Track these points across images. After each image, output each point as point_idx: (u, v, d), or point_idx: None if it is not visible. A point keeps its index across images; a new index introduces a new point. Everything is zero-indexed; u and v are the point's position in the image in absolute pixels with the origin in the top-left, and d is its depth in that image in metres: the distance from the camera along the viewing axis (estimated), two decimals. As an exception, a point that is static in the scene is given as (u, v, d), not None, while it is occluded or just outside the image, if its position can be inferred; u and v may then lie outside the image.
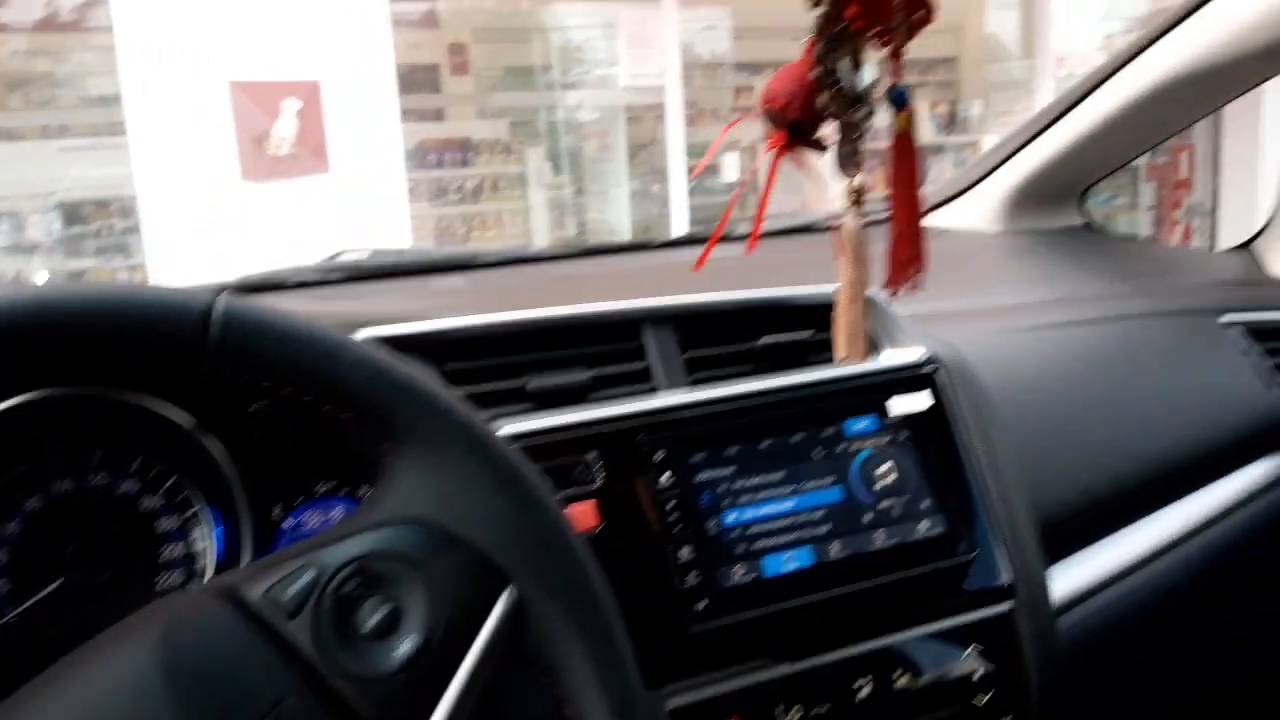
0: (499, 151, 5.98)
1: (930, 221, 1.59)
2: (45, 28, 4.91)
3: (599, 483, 0.76)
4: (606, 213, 6.26)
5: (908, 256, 0.60)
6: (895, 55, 0.55)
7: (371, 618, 0.48)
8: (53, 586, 0.68)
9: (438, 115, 6.23)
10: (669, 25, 5.03)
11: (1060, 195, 1.48)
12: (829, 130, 0.59)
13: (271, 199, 3.84)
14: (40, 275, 4.77)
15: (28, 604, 0.67)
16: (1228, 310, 1.14)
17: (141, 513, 0.72)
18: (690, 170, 5.53)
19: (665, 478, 0.77)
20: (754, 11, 6.30)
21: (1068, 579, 0.90)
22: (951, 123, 6.67)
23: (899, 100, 0.56)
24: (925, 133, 6.55)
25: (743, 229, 1.58)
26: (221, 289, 0.50)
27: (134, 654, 0.44)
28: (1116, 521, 0.95)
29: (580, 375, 0.81)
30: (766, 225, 1.50)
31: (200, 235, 3.81)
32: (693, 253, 1.46)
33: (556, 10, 6.55)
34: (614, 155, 6.06)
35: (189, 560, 0.72)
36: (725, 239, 1.52)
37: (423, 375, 0.52)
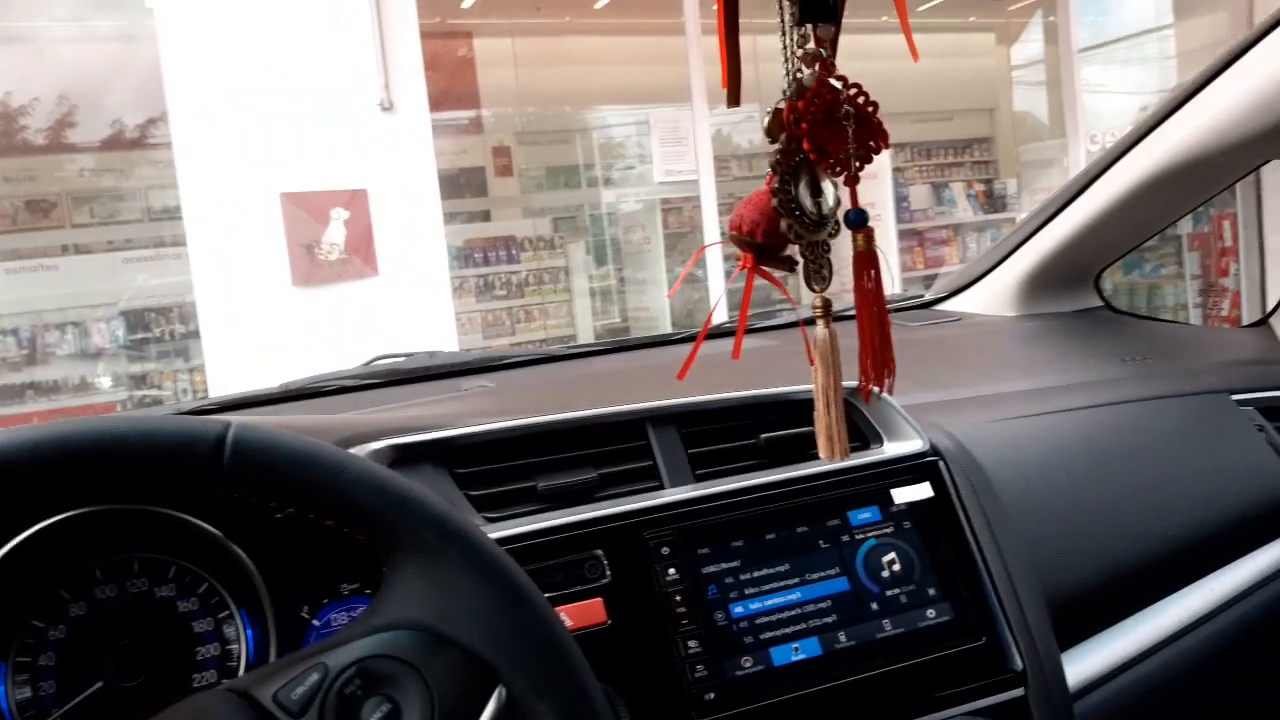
0: (543, 247, 6.16)
1: (949, 307, 1.63)
2: (111, 146, 5.19)
3: (608, 578, 0.79)
4: (647, 300, 6.38)
5: (876, 364, 0.63)
6: (850, 182, 0.60)
7: (372, 716, 0.51)
8: (92, 689, 0.72)
9: (485, 216, 6.45)
10: (700, 124, 5.20)
11: (1075, 278, 1.50)
12: (795, 250, 0.64)
13: (324, 302, 3.99)
14: (103, 379, 4.97)
15: (71, 704, 0.72)
16: (1242, 390, 1.14)
17: (179, 615, 0.76)
18: (735, 258, 5.63)
19: (672, 572, 0.80)
20: (784, 103, 6.45)
21: (1083, 664, 0.90)
22: (988, 201, 6.71)
23: (857, 221, 0.60)
24: (964, 212, 6.60)
25: (765, 318, 1.63)
26: (285, 395, 0.55)
27: None
28: (1132, 605, 0.96)
29: (588, 475, 0.84)
30: (770, 321, 1.54)
31: (255, 339, 3.96)
32: (713, 346, 1.51)
33: (594, 112, 6.80)
34: (653, 246, 6.21)
35: (223, 659, 0.76)
36: (729, 335, 1.57)
37: (418, 489, 0.56)
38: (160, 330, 4.98)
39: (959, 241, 6.54)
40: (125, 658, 0.74)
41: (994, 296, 1.55)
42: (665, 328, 5.93)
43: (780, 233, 0.65)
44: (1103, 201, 1.38)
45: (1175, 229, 5.32)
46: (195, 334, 4.56)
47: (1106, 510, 0.97)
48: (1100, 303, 1.53)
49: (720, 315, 5.32)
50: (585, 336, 6.11)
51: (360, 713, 0.51)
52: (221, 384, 3.97)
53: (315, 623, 0.80)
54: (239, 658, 0.77)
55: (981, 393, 1.11)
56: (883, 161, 5.74)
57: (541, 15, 6.37)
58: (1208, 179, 1.36)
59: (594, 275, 6.46)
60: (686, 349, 1.55)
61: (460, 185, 6.51)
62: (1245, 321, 1.40)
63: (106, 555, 0.75)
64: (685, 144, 5.15)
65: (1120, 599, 0.95)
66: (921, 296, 1.66)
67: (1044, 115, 7.28)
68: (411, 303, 4.14)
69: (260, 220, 3.92)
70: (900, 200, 6.04)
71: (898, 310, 1.59)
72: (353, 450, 0.78)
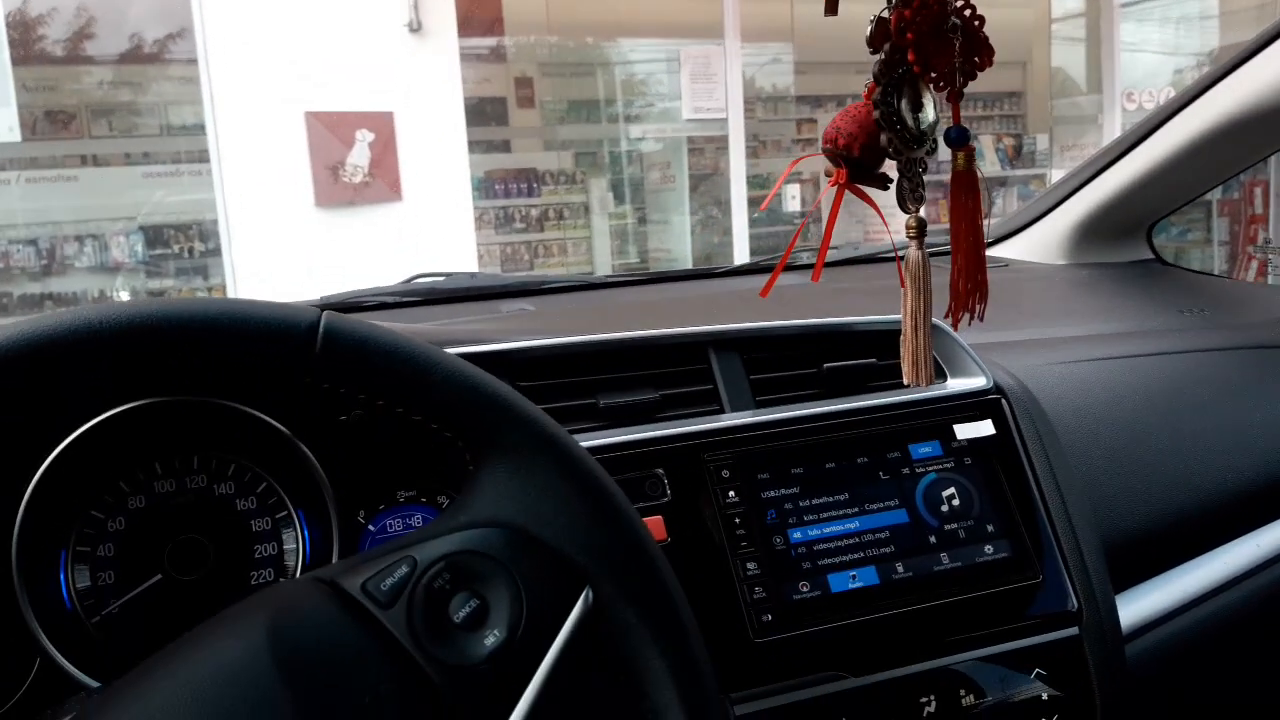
0: (563, 182, 6.09)
1: (996, 253, 1.61)
2: (129, 60, 5.11)
3: (668, 497, 0.79)
4: (668, 241, 6.34)
5: (969, 289, 0.61)
6: (953, 97, 0.57)
7: (460, 611, 0.51)
8: (153, 580, 0.72)
9: (505, 147, 6.37)
10: (732, 61, 5.11)
11: (1127, 229, 1.47)
12: (890, 167, 0.62)
13: (346, 224, 3.96)
14: (122, 293, 4.96)
15: (130, 595, 0.72)
16: (1299, 345, 1.13)
17: (237, 513, 0.76)
18: (759, 202, 5.64)
19: (731, 495, 0.80)
20: (816, 46, 6.37)
21: (1136, 607, 0.90)
22: (1017, 156, 6.62)
23: (959, 139, 0.58)
24: (990, 166, 6.52)
25: (805, 259, 1.61)
26: (325, 307, 0.54)
27: (245, 637, 0.48)
28: (1185, 551, 0.95)
29: (649, 395, 0.83)
30: (829, 255, 1.52)
31: (278, 257, 3.94)
32: (754, 281, 1.49)
33: (620, 45, 6.67)
34: (676, 185, 6.14)
35: (278, 558, 0.76)
36: (790, 268, 1.55)
37: (511, 390, 0.55)
38: (179, 247, 4.95)
39: (984, 196, 6.46)
40: (184, 552, 0.74)
41: (1042, 244, 1.53)
42: (685, 269, 5.89)
43: (877, 147, 0.62)
44: (1162, 152, 1.35)
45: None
46: (214, 252, 4.55)
47: (1163, 458, 0.97)
48: (1151, 255, 1.51)
49: (744, 257, 5.28)
50: (604, 273, 6.07)
51: (448, 607, 0.51)
52: (269, 298, 3.94)
53: (371, 528, 0.80)
54: (296, 557, 0.76)
55: (1038, 336, 1.10)
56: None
57: (571, -58, 6.23)
58: (1272, 135, 1.32)
59: (614, 213, 6.41)
60: (727, 283, 1.54)
61: (482, 114, 6.41)
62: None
63: (166, 450, 0.75)
64: (715, 81, 5.07)
65: (1172, 546, 0.95)
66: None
67: (1077, 71, 7.15)
68: (434, 229, 4.12)
69: (285, 139, 3.88)
70: (927, 151, 5.95)
71: (942, 254, 1.57)
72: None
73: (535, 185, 5.99)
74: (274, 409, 0.73)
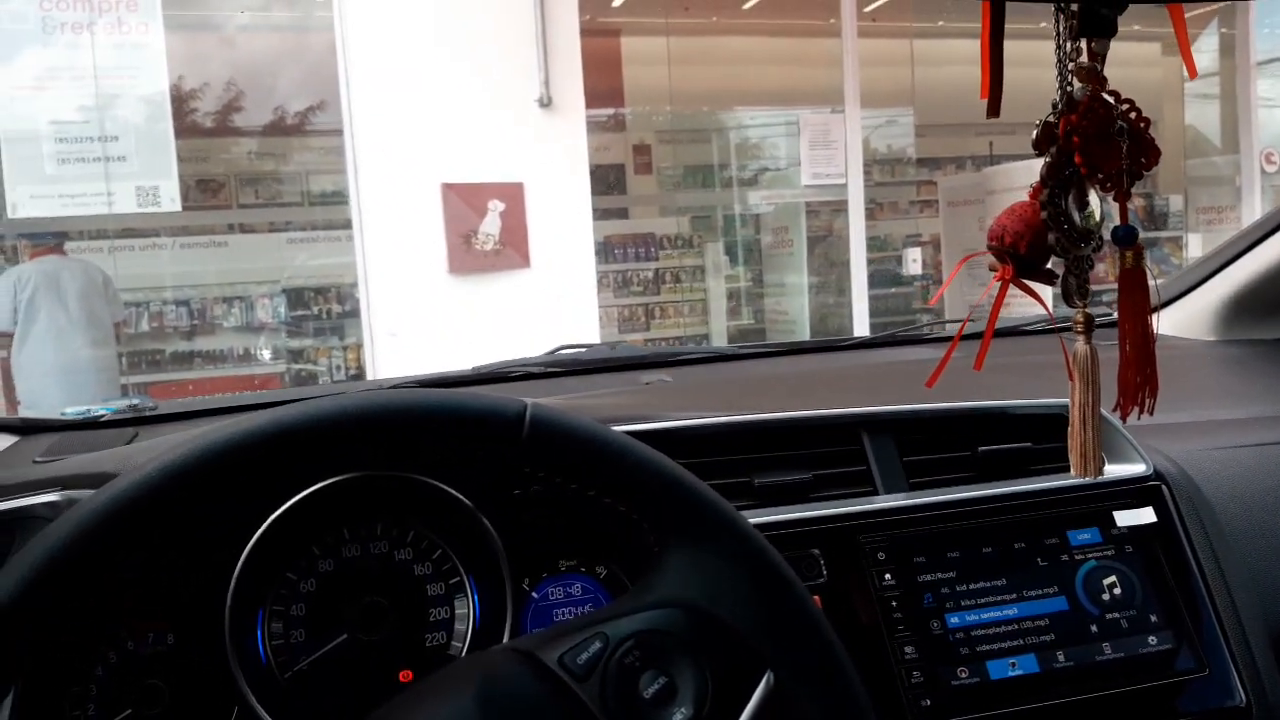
0: (680, 246, 6.21)
1: (1139, 328, 1.57)
2: (274, 131, 5.44)
3: (824, 577, 0.80)
4: (784, 303, 6.36)
5: (1139, 383, 0.62)
6: (1121, 198, 0.59)
7: (649, 688, 0.54)
8: (339, 639, 0.77)
9: (623, 213, 6.54)
10: (852, 127, 5.15)
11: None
12: (1055, 262, 0.63)
13: (477, 290, 4.13)
14: (265, 352, 5.26)
15: (320, 653, 0.77)
16: None
17: (415, 578, 0.81)
18: (878, 264, 5.66)
19: (888, 577, 0.81)
20: (936, 109, 6.35)
21: (1308, 704, 0.86)
22: (1149, 217, 6.42)
23: (1126, 238, 0.59)
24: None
25: (928, 331, 1.61)
26: (479, 378, 0.59)
27: (455, 702, 0.52)
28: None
29: (803, 475, 0.86)
30: (970, 328, 1.53)
31: (413, 322, 4.12)
32: (886, 354, 1.50)
33: (736, 113, 6.79)
34: (794, 248, 6.18)
35: (449, 622, 0.80)
36: (926, 341, 1.55)
37: (693, 476, 0.58)
38: (319, 309, 5.23)
39: (1115, 258, 6.26)
40: (366, 613, 0.79)
41: (1190, 319, 1.49)
42: (804, 334, 5.89)
43: (1043, 245, 0.64)
44: (1322, 224, 1.31)
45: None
46: (351, 314, 4.77)
47: (1334, 549, 0.93)
48: (1309, 332, 1.45)
49: (863, 319, 5.25)
50: (719, 337, 6.13)
51: (638, 683, 0.54)
52: (382, 363, 4.15)
53: (534, 595, 0.83)
54: (466, 621, 0.81)
55: (1195, 418, 1.07)
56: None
57: (690, 15, 6.41)
58: None
59: (729, 275, 6.48)
60: (860, 355, 1.55)
61: (602, 181, 6.60)
62: None
63: (353, 517, 0.80)
64: (835, 147, 5.11)
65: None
66: (1110, 315, 1.60)
67: (1210, 129, 6.91)
68: (559, 295, 4.24)
69: (422, 209, 4.08)
70: (1055, 214, 5.83)
71: (1105, 325, 1.55)
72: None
73: (653, 249, 6.12)
74: (459, 483, 0.78)
